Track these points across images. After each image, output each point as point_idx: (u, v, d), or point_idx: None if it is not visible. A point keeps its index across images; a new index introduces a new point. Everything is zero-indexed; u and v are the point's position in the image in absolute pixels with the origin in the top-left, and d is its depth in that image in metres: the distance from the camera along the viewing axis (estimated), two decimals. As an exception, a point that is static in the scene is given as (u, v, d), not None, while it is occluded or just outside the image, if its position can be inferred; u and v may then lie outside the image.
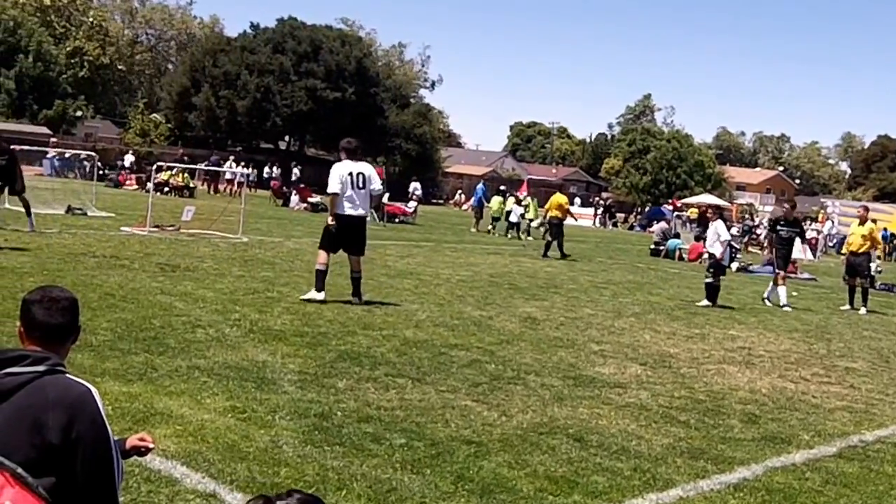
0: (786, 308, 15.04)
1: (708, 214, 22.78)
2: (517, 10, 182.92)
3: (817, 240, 39.11)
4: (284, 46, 58.35)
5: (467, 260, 18.83)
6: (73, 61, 63.99)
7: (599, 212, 52.44)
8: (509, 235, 30.79)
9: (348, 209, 10.62)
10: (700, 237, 25.58)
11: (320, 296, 10.38)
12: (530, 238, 28.79)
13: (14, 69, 55.28)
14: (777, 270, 15.90)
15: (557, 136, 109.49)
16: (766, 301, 15.75)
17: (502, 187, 37.58)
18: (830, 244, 41.57)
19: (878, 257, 22.39)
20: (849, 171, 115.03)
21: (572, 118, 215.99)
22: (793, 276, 18.51)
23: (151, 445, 3.01)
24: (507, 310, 11.56)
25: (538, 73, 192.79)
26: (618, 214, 54.53)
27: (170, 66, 76.85)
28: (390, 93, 62.46)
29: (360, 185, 10.66)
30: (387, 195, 30.34)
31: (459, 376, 7.32)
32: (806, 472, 5.69)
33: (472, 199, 36.56)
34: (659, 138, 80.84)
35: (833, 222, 45.05)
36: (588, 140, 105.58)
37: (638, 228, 49.61)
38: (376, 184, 10.94)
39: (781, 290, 15.48)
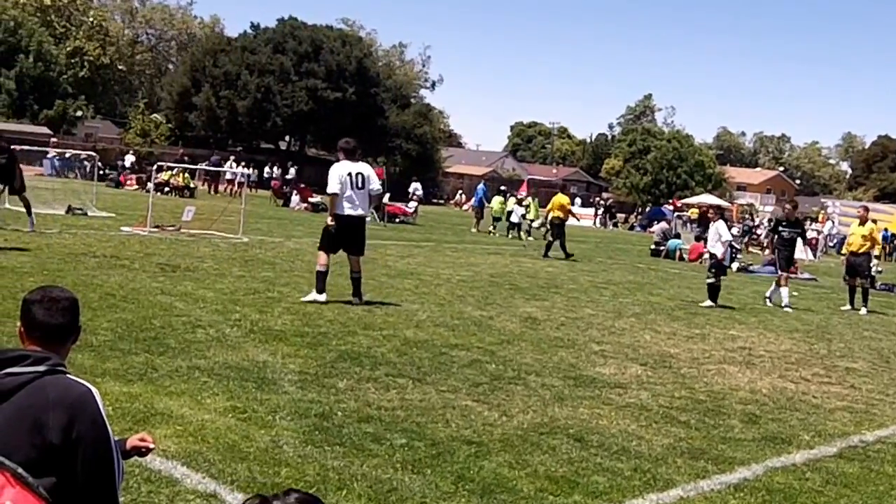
0: (787, 309, 15.04)
1: (709, 215, 22.75)
2: (517, 10, 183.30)
3: (817, 240, 39.09)
4: (285, 46, 58.35)
5: (468, 260, 18.83)
6: (73, 61, 64.05)
7: (600, 212, 52.41)
8: (510, 236, 30.78)
9: (348, 209, 10.63)
10: (700, 237, 25.65)
11: (321, 297, 10.39)
12: (531, 238, 28.78)
13: (14, 69, 55.35)
14: (780, 272, 15.90)
15: (558, 137, 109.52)
16: (767, 301, 15.75)
17: (503, 187, 37.57)
18: (831, 244, 41.52)
19: (877, 257, 22.35)
20: (849, 171, 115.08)
21: (572, 118, 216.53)
22: (793, 276, 18.49)
23: (152, 446, 3.00)
24: (508, 310, 11.56)
25: (538, 73, 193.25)
26: (618, 215, 54.49)
27: (170, 66, 76.90)
28: (391, 93, 62.45)
29: (360, 185, 10.67)
30: (387, 195, 30.35)
31: (460, 376, 7.32)
32: (806, 472, 5.69)
33: (473, 199, 36.60)
34: (659, 138, 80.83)
35: (833, 222, 44.99)
36: (588, 140, 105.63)
37: (638, 229, 49.59)
38: (375, 184, 10.95)
39: (784, 291, 15.48)
